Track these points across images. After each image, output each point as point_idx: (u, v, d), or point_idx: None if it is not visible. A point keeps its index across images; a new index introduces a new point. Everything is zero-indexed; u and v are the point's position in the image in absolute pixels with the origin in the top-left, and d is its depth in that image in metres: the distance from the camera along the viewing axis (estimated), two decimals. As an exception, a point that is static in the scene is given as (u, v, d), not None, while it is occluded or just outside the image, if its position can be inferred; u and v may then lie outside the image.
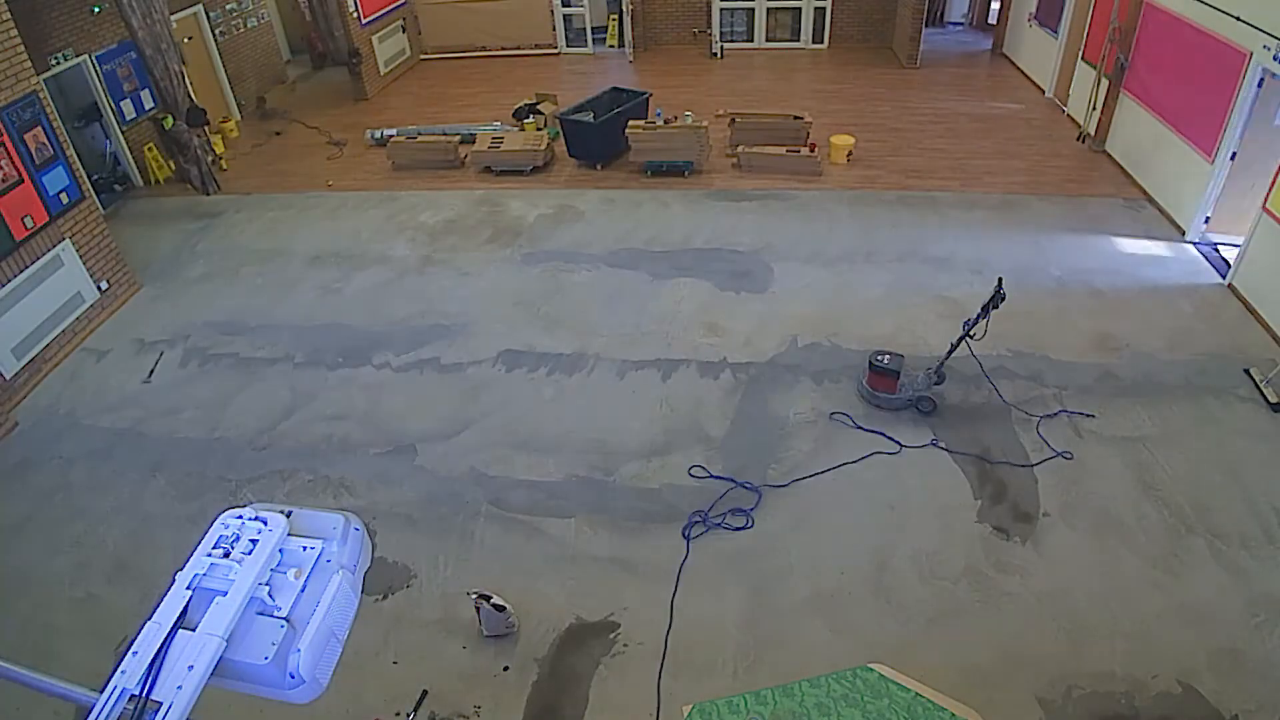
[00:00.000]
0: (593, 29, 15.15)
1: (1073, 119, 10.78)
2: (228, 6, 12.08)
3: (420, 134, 10.75)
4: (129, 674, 1.49)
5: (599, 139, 9.91)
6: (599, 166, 10.16)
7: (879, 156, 10.10)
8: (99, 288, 7.52)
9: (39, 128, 6.88)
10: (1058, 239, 8.04)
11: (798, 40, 14.83)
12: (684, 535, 5.07)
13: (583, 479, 5.57)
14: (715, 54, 14.43)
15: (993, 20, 14.68)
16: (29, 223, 6.77)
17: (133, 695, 1.48)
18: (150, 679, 1.49)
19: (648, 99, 10.34)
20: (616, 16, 15.09)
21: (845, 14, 14.45)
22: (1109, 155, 9.73)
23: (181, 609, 1.61)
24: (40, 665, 1.65)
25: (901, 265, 7.74)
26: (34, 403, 6.60)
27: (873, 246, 8.08)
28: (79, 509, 5.57)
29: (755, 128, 10.10)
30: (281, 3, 14.72)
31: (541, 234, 8.68)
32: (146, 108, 10.23)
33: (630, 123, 9.81)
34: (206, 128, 9.89)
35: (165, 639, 1.54)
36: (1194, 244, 7.87)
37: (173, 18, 10.07)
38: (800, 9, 14.54)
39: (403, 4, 14.29)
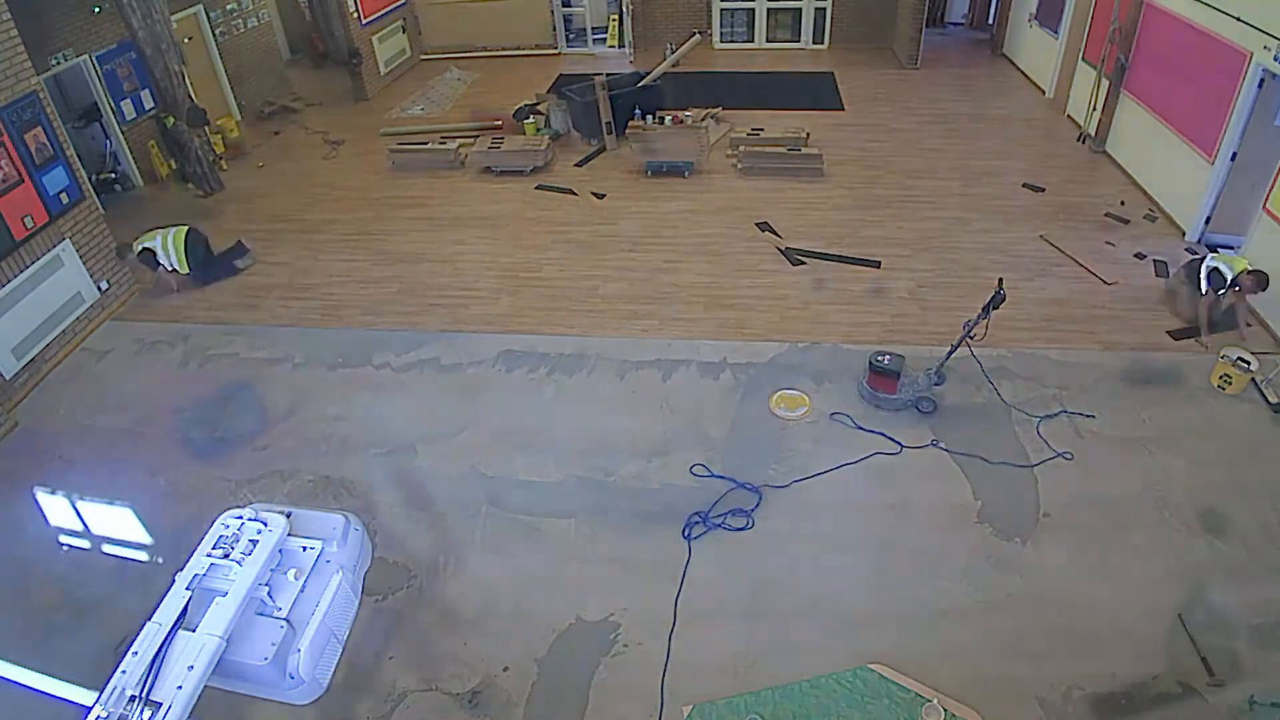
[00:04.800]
0: (593, 29, 15.17)
1: (1073, 119, 10.78)
2: (228, 6, 12.07)
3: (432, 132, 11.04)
4: (129, 674, 1.49)
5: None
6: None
7: (879, 157, 10.10)
8: (99, 288, 7.52)
9: (39, 128, 6.87)
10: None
11: (798, 40, 14.83)
12: (684, 536, 5.07)
13: (583, 479, 5.57)
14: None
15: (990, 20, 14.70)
16: (29, 223, 6.77)
17: (133, 695, 1.48)
18: (150, 679, 1.49)
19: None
20: (616, 16, 15.10)
21: (845, 14, 14.45)
22: (1109, 155, 9.74)
23: (181, 609, 1.61)
24: (40, 665, 1.65)
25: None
26: (34, 403, 6.60)
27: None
28: (79, 509, 5.57)
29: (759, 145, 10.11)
30: (281, 3, 14.72)
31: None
32: (146, 108, 10.23)
33: (630, 123, 9.85)
34: (206, 128, 9.90)
35: (165, 639, 1.54)
36: (1194, 244, 7.87)
37: (173, 18, 10.06)
38: (800, 9, 14.54)
39: (403, 4, 14.29)
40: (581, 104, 10.47)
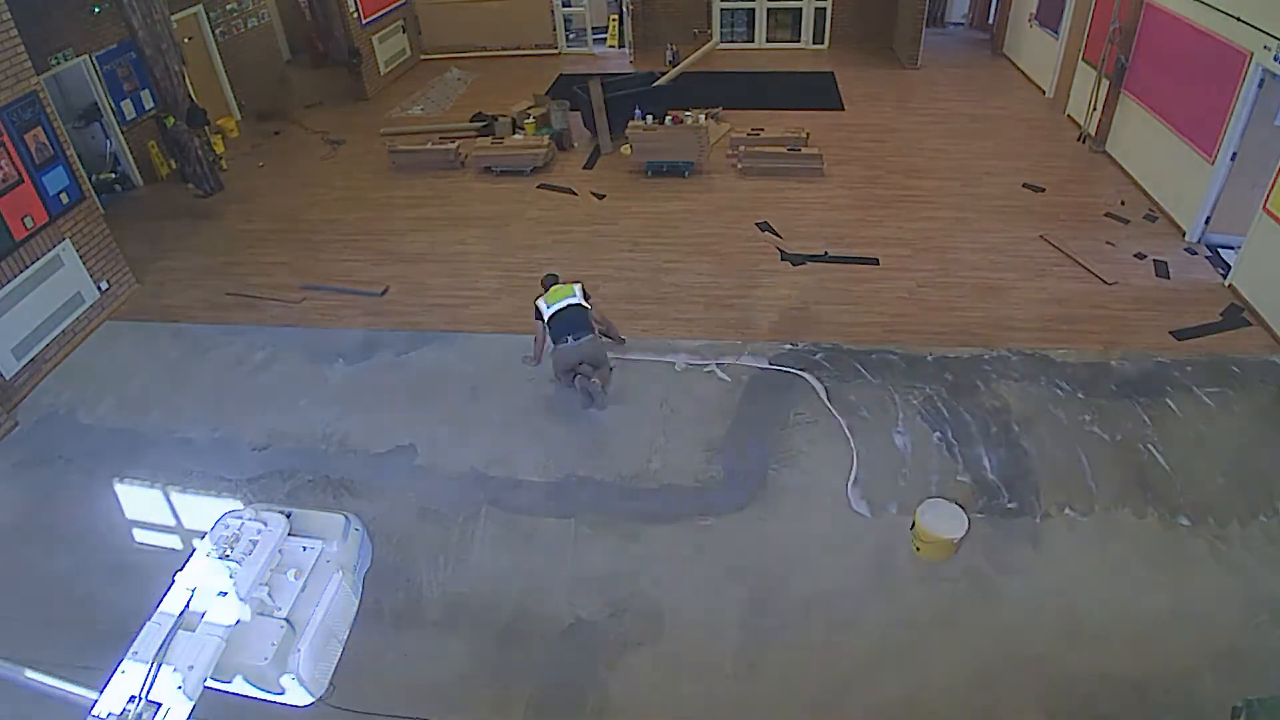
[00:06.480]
0: (593, 29, 15.17)
1: (1073, 119, 10.78)
2: (228, 6, 12.08)
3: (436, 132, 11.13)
4: (129, 674, 1.49)
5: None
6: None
7: (880, 157, 10.10)
8: (99, 288, 7.52)
9: (39, 128, 6.87)
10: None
11: (798, 40, 14.83)
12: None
13: (583, 479, 5.57)
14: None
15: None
16: (29, 223, 6.77)
17: (133, 695, 1.48)
18: (150, 679, 1.49)
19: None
20: (616, 16, 15.10)
21: (845, 14, 14.45)
22: (1109, 155, 9.73)
23: (182, 609, 1.61)
24: (40, 664, 1.65)
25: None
26: (34, 403, 6.60)
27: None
28: (79, 509, 5.57)
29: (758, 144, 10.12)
30: (281, 3, 14.72)
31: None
32: (146, 108, 10.23)
33: (631, 123, 9.85)
34: (206, 128, 9.89)
35: (165, 639, 1.54)
36: (1194, 244, 7.87)
37: (173, 18, 10.05)
38: (800, 9, 14.55)
39: (403, 4, 14.28)
40: (590, 103, 10.39)
